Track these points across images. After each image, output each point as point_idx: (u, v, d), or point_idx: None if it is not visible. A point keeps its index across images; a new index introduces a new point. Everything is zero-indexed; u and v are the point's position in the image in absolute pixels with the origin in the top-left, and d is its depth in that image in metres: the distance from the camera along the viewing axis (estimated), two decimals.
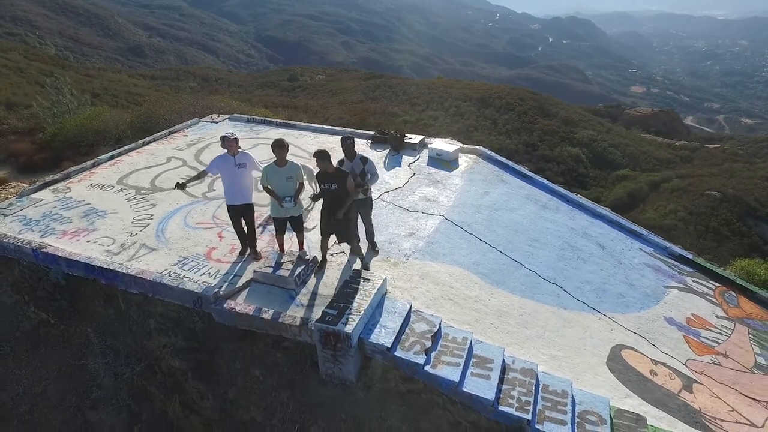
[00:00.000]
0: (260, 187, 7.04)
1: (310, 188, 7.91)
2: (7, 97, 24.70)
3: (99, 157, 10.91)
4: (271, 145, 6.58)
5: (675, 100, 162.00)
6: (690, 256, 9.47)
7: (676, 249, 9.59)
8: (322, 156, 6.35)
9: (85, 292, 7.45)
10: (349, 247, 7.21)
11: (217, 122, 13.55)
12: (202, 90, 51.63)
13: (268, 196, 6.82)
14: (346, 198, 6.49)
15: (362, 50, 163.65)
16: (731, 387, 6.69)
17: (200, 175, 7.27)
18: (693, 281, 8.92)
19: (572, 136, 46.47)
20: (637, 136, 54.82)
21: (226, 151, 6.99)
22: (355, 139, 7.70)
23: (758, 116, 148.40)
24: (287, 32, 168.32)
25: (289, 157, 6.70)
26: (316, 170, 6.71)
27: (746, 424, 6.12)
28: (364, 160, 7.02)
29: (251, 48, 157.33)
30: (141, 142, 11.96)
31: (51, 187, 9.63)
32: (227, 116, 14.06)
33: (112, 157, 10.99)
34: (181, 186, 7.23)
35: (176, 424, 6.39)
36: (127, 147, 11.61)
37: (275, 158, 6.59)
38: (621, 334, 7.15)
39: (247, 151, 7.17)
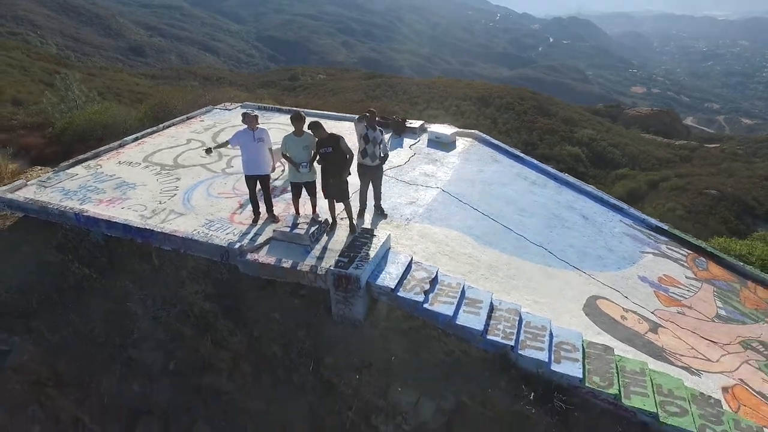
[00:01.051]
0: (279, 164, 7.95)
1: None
2: (12, 94, 25.54)
3: (125, 139, 11.85)
4: (291, 117, 7.52)
5: (675, 100, 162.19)
6: (665, 227, 10.40)
7: (653, 221, 10.53)
8: (315, 125, 7.30)
9: (123, 251, 8.38)
10: (345, 207, 8.05)
11: (230, 109, 14.49)
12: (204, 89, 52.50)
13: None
14: (341, 159, 7.40)
15: (363, 50, 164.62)
16: (692, 332, 7.62)
17: (223, 144, 8.19)
18: (667, 248, 9.85)
19: (572, 135, 47.14)
20: (637, 135, 55.30)
21: (246, 126, 7.91)
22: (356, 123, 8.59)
23: (759, 117, 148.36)
24: (288, 32, 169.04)
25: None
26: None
27: (702, 359, 7.04)
28: (382, 131, 8.01)
29: (252, 48, 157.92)
30: (161, 126, 12.90)
31: (83, 164, 10.56)
32: (239, 104, 15.00)
33: (136, 139, 11.93)
34: (208, 151, 8.17)
35: (207, 360, 7.30)
36: (149, 130, 12.55)
37: (293, 129, 7.52)
38: (597, 288, 8.07)
39: (264, 128, 8.09)
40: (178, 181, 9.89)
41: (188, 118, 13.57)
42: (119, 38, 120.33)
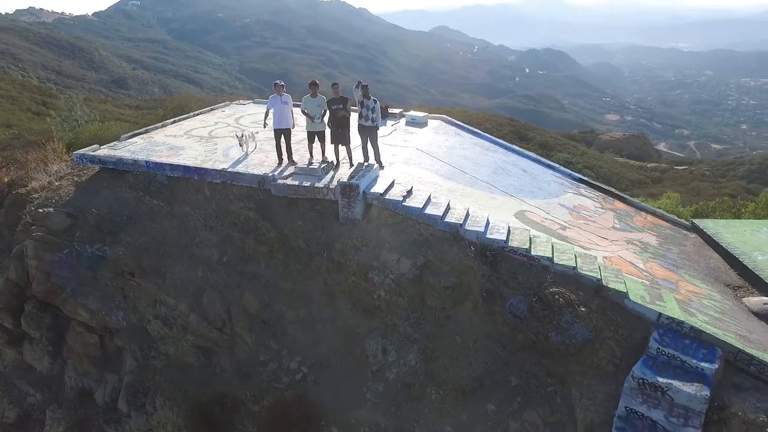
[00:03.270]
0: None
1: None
2: (7, 118, 28.47)
3: (165, 121, 14.96)
4: (309, 84, 10.78)
5: (647, 127, 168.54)
6: (585, 178, 13.78)
7: (576, 174, 13.94)
8: (333, 87, 10.54)
9: (181, 188, 11.37)
10: (346, 150, 11.20)
11: (244, 104, 17.74)
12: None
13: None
14: (347, 114, 10.61)
15: (344, 81, 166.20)
16: (591, 232, 10.88)
17: (267, 113, 11.24)
18: (584, 191, 13.21)
19: (548, 158, 50.81)
20: (611, 159, 58.30)
21: (275, 93, 11.10)
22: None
23: (727, 142, 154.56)
24: (271, 64, 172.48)
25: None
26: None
27: (594, 245, 10.27)
28: (375, 101, 11.09)
29: (235, 80, 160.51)
30: (191, 114, 16.06)
31: (139, 137, 13.62)
32: (251, 100, 18.26)
33: (175, 121, 15.05)
34: (265, 125, 11.21)
35: (250, 254, 10.24)
36: (182, 116, 15.68)
37: (310, 92, 10.75)
38: (527, 207, 11.33)
39: (288, 95, 11.29)
40: (216, 145, 13.00)
41: (211, 110, 16.76)
42: (102, 71, 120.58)
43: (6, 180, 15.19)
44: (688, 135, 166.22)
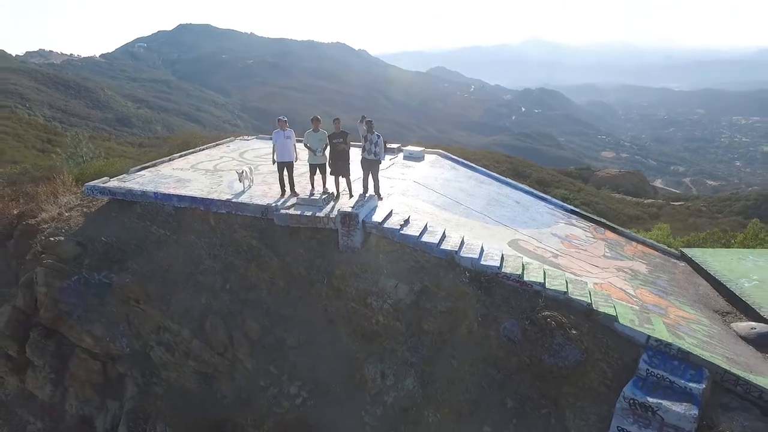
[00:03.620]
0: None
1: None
2: (12, 155, 29.28)
3: (173, 155, 15.53)
4: (311, 119, 11.36)
5: (643, 164, 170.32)
6: (577, 210, 14.26)
7: (568, 206, 14.41)
8: (335, 122, 11.13)
9: (187, 218, 11.80)
10: (346, 182, 11.70)
11: (248, 140, 18.39)
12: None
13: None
14: (347, 148, 11.16)
15: (344, 119, 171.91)
16: (583, 260, 11.26)
17: (274, 148, 11.77)
18: (576, 221, 13.66)
19: (546, 194, 51.51)
20: (608, 195, 58.95)
21: (278, 128, 11.69)
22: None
23: (722, 178, 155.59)
24: (271, 103, 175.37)
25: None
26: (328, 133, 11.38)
27: (585, 272, 10.63)
28: (378, 135, 11.66)
29: (237, 118, 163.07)
30: (197, 148, 16.67)
31: (147, 170, 14.15)
32: (254, 136, 18.92)
33: (181, 156, 15.62)
34: (274, 161, 11.74)
35: (252, 282, 10.56)
36: (188, 151, 16.27)
37: (312, 127, 11.33)
38: (520, 236, 11.74)
39: (291, 129, 11.87)
40: (221, 177, 13.51)
41: (216, 144, 17.39)
42: (107, 110, 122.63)
43: (15, 212, 15.65)
44: (683, 172, 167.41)
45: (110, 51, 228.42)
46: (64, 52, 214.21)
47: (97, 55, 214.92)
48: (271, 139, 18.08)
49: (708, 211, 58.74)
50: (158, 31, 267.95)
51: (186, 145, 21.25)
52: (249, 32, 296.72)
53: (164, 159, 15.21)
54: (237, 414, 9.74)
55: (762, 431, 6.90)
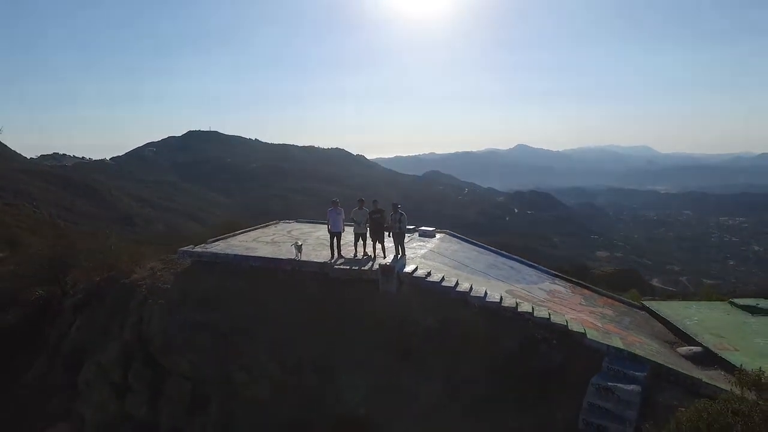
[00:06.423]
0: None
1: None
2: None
3: (235, 232, 19.48)
4: (357, 200, 15.45)
5: (638, 263, 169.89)
6: (559, 274, 17.95)
7: (552, 271, 18.11)
8: (374, 203, 15.21)
9: (260, 274, 15.42)
10: (380, 246, 15.52)
11: (290, 223, 22.49)
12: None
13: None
14: (383, 221, 15.13)
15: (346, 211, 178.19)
16: (563, 305, 14.77)
17: (328, 221, 15.74)
18: (558, 282, 17.30)
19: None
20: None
21: (332, 207, 15.73)
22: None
23: (718, 277, 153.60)
24: (274, 205, 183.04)
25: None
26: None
27: (566, 311, 14.11)
28: (402, 214, 15.68)
29: (238, 217, 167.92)
30: (251, 228, 20.65)
31: (220, 241, 17.99)
32: (294, 220, 23.05)
33: (242, 232, 19.55)
34: (329, 230, 15.71)
35: (314, 318, 13.93)
36: (245, 229, 20.24)
37: (357, 206, 15.39)
38: (514, 288, 15.34)
39: (341, 207, 15.89)
40: (279, 247, 17.32)
41: (266, 225, 21.43)
42: (111, 209, 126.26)
43: (98, 279, 19.29)
44: (679, 271, 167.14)
45: (120, 155, 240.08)
46: (76, 155, 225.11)
47: (108, 158, 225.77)
48: (308, 222, 22.29)
49: None
50: (168, 137, 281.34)
51: (230, 228, 25.18)
52: (254, 138, 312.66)
53: (228, 235, 19.11)
54: (305, 416, 12.66)
55: (681, 399, 10.09)
